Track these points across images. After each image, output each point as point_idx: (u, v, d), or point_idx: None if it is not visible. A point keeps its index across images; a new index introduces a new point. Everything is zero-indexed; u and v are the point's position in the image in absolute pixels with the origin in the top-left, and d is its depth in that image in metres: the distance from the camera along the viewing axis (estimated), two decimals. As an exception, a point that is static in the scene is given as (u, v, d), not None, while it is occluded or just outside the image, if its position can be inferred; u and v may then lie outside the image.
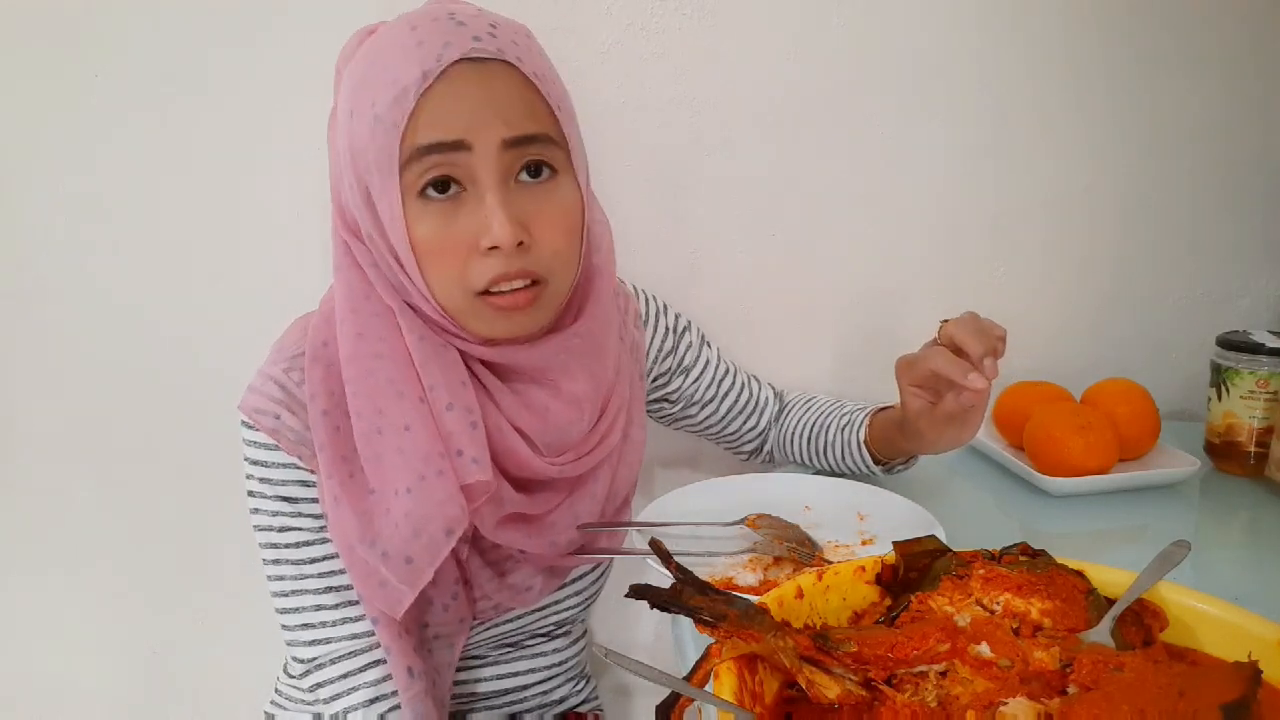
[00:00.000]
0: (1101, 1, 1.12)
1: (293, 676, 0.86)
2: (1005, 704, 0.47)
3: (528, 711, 0.89)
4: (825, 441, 0.95)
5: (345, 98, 0.67)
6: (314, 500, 0.71)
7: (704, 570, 0.73)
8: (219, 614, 1.20)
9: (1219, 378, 1.01)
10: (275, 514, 0.71)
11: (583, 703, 0.95)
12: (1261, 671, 0.45)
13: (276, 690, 0.89)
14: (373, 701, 0.73)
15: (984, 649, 0.51)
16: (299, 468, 0.70)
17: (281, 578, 0.73)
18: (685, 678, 0.44)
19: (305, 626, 0.73)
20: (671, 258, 1.12)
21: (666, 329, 0.92)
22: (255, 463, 0.71)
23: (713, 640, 0.46)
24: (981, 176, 1.16)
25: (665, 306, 0.93)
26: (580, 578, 0.86)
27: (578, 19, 1.03)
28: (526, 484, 0.74)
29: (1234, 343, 1.00)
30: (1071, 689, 0.48)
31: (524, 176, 0.66)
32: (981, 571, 0.56)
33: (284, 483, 0.70)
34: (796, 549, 0.75)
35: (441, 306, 0.67)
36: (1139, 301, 1.24)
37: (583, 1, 1.03)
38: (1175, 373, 1.24)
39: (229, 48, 1.01)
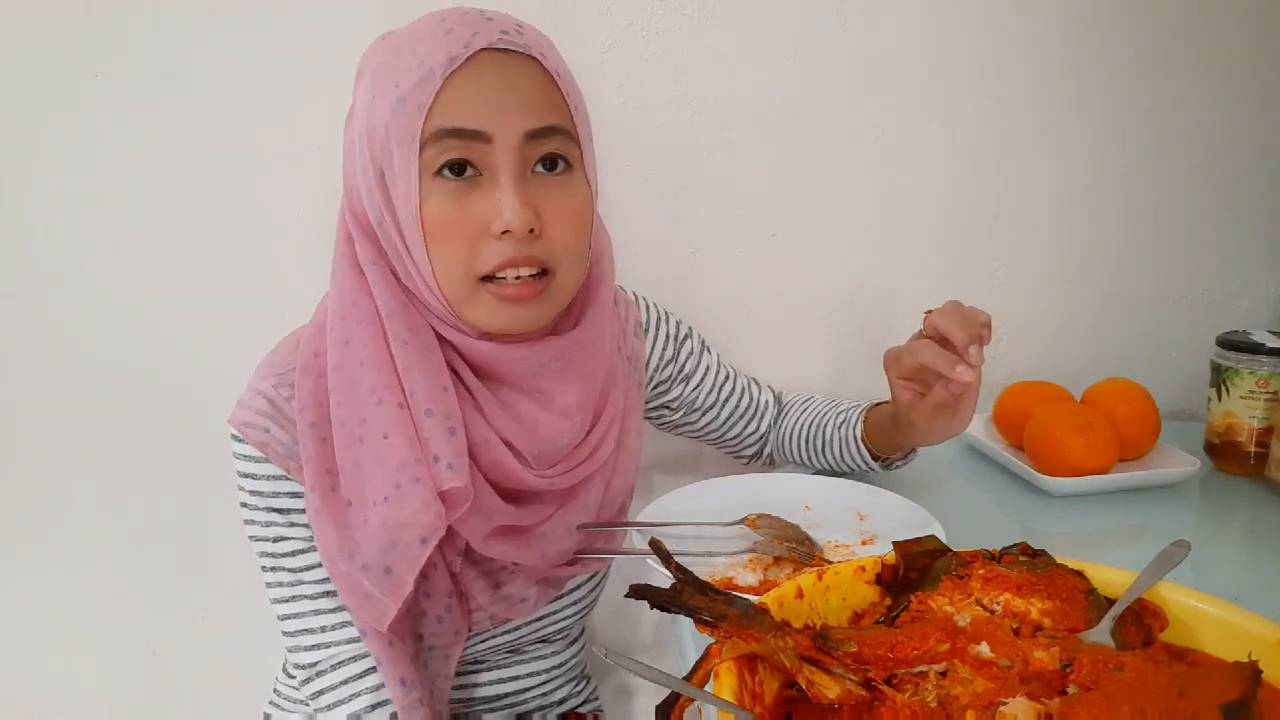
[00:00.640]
0: (1101, 1, 1.12)
1: (293, 679, 0.86)
2: (1005, 704, 0.47)
3: (532, 712, 0.89)
4: (823, 440, 0.95)
5: (365, 85, 0.68)
6: (305, 511, 0.70)
7: (704, 570, 0.73)
8: (219, 614, 1.20)
9: (1219, 378, 1.01)
10: (268, 524, 0.71)
11: (583, 703, 0.95)
12: (1261, 671, 0.45)
13: (276, 691, 0.89)
14: (374, 708, 0.73)
15: (984, 649, 0.51)
16: (289, 480, 0.70)
17: (279, 584, 0.73)
18: (685, 678, 0.44)
19: (305, 632, 0.73)
20: (671, 258, 1.12)
21: (667, 336, 0.92)
22: (246, 475, 0.70)
23: (713, 640, 0.46)
24: (981, 176, 1.16)
25: (667, 314, 0.93)
26: (577, 587, 0.86)
27: (578, 19, 1.03)
28: (516, 495, 0.74)
29: (1234, 343, 1.00)
30: (1071, 689, 0.48)
31: (540, 168, 0.67)
32: (981, 571, 0.56)
33: (275, 494, 0.70)
34: (796, 549, 0.75)
35: (442, 293, 0.67)
36: (1139, 301, 1.24)
37: (583, 1, 1.03)
38: (1175, 373, 1.24)
39: (229, 48, 1.01)
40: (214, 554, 1.16)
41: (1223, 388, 1.01)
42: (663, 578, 0.52)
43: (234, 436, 0.70)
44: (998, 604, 0.55)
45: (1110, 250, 1.22)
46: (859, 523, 0.82)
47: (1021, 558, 0.57)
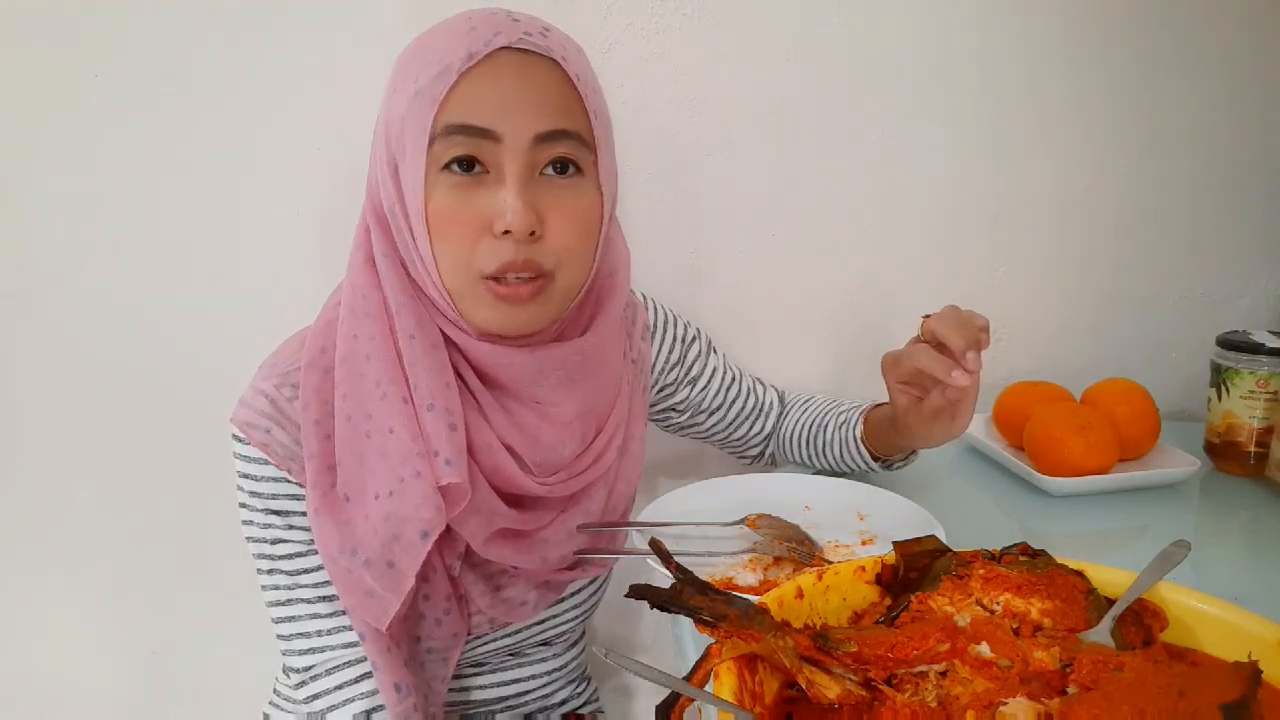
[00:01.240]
0: (1101, 1, 1.12)
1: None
2: (1005, 704, 0.47)
3: (534, 713, 0.89)
4: (824, 441, 0.95)
5: (390, 79, 0.68)
6: (304, 514, 0.70)
7: (704, 570, 0.73)
8: (219, 614, 1.19)
9: (1219, 378, 1.01)
10: (266, 526, 0.71)
11: (584, 704, 0.95)
12: (1261, 671, 0.45)
13: (275, 691, 0.89)
14: (368, 714, 0.73)
15: (984, 649, 0.51)
16: (289, 481, 0.70)
17: (276, 588, 0.72)
18: (685, 678, 0.44)
19: (300, 636, 0.73)
20: (671, 258, 1.12)
21: (674, 339, 0.92)
22: (246, 476, 0.70)
23: (713, 640, 0.46)
24: (981, 176, 1.16)
25: (674, 316, 0.93)
26: (577, 591, 0.85)
27: (578, 19, 1.03)
28: (518, 500, 0.74)
29: (1234, 343, 1.00)
30: (1071, 689, 0.48)
31: (549, 171, 0.67)
32: (981, 571, 0.56)
33: (274, 496, 0.70)
34: (796, 549, 0.75)
35: (445, 287, 0.67)
36: (1139, 301, 1.24)
37: (583, 1, 1.03)
38: (1175, 373, 1.24)
39: (229, 48, 1.01)
40: (214, 554, 1.16)
41: (1223, 388, 1.01)
42: (663, 578, 0.52)
43: (235, 436, 0.70)
44: (998, 604, 0.55)
45: (1110, 250, 1.22)
46: (859, 523, 0.82)
47: (1021, 558, 0.57)
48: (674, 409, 0.95)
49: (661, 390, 0.93)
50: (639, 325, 0.87)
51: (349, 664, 0.73)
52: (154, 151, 1.03)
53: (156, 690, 1.23)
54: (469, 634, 0.78)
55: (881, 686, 0.48)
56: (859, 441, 0.91)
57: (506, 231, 0.64)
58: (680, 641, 0.73)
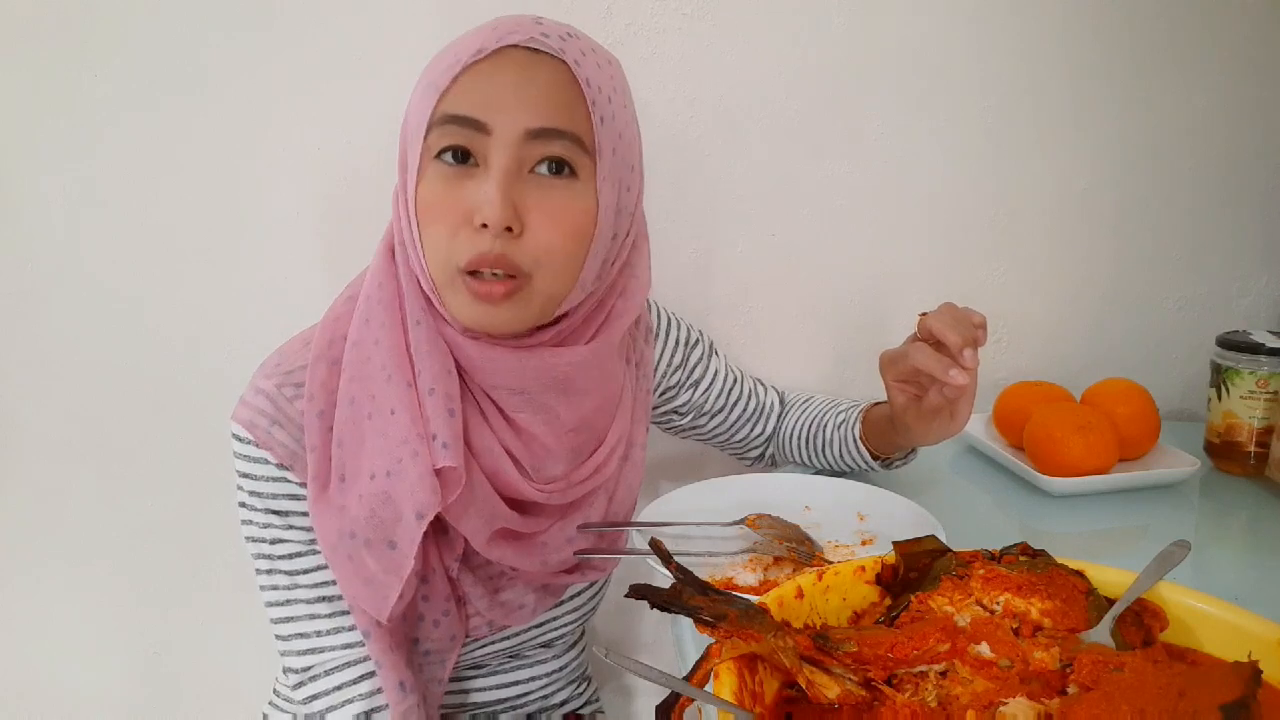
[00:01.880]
0: (1101, 1, 1.12)
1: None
2: (1005, 704, 0.47)
3: (534, 714, 0.89)
4: (824, 440, 0.95)
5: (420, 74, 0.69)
6: (304, 514, 0.70)
7: (704, 570, 0.73)
8: (219, 614, 1.19)
9: (1219, 378, 1.01)
10: (266, 525, 0.71)
11: (584, 705, 0.95)
12: (1261, 671, 0.45)
13: (275, 691, 0.89)
14: (368, 714, 0.73)
15: (984, 649, 0.51)
16: (289, 481, 0.70)
17: (275, 588, 0.72)
18: (685, 678, 0.44)
19: (299, 636, 0.73)
20: (671, 258, 1.12)
21: (677, 343, 0.92)
22: (245, 475, 0.70)
23: (713, 640, 0.46)
24: (981, 176, 1.16)
25: (677, 320, 0.93)
26: (576, 594, 0.85)
27: (577, 19, 1.02)
28: (520, 503, 0.74)
29: (1234, 343, 1.00)
30: (1071, 689, 0.48)
31: (542, 170, 0.66)
32: (981, 571, 0.56)
33: (274, 496, 0.70)
34: (796, 549, 0.75)
35: (431, 276, 0.67)
36: (1139, 301, 1.24)
37: (583, 1, 1.03)
38: (1175, 373, 1.24)
39: (228, 47, 1.01)
40: (214, 554, 1.16)
41: (1223, 388, 1.01)
42: (663, 578, 0.52)
43: (235, 435, 0.70)
44: (998, 604, 0.55)
45: (1110, 250, 1.22)
46: (859, 523, 0.82)
47: (1021, 558, 0.57)
48: (676, 412, 0.95)
49: (664, 393, 0.93)
50: (642, 328, 0.87)
51: (348, 664, 0.73)
52: (154, 151, 1.03)
53: (156, 690, 1.23)
54: (467, 636, 0.78)
55: (881, 686, 0.48)
56: (858, 440, 0.91)
57: (485, 225, 0.63)
58: (680, 641, 0.73)
